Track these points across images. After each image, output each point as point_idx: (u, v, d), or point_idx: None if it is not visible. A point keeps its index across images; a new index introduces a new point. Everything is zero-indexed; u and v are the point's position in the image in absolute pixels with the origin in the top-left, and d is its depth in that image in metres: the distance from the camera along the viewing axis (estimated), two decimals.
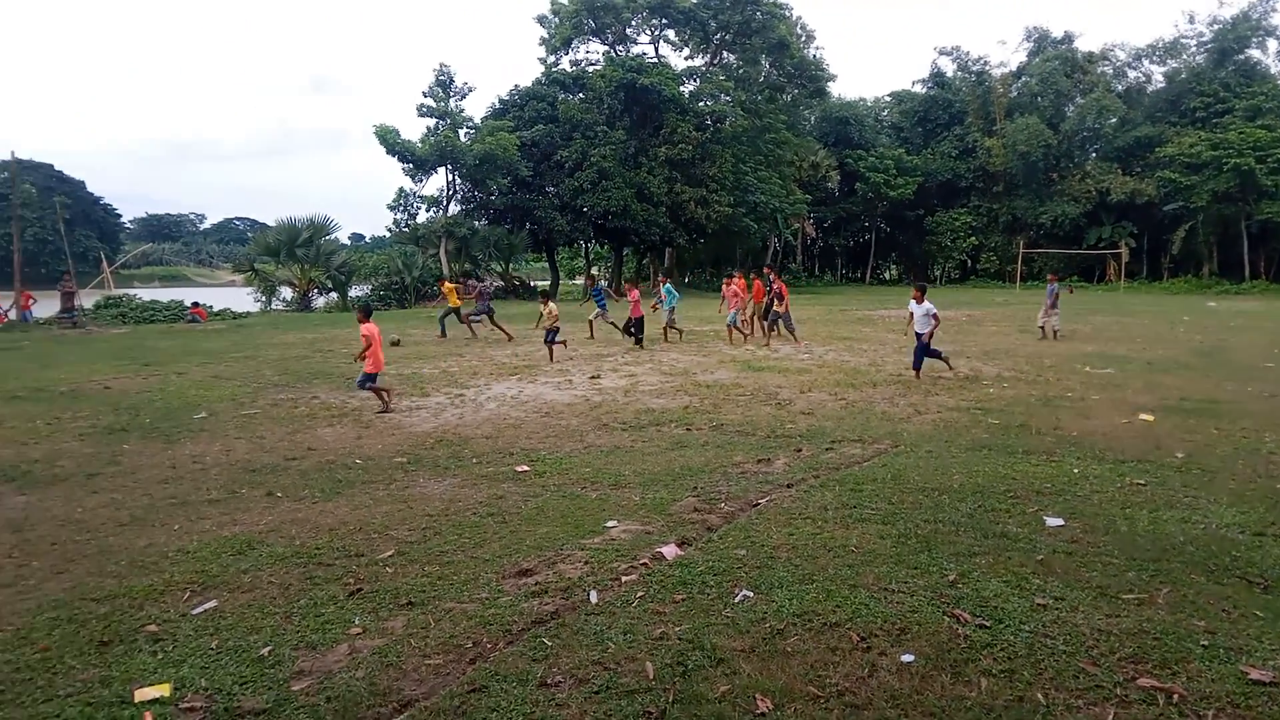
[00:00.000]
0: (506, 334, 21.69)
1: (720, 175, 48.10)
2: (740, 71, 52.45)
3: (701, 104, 50.05)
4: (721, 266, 55.11)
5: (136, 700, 4.00)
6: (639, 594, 5.11)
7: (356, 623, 4.81)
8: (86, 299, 35.41)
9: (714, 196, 47.30)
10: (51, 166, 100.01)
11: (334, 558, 5.90)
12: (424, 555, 5.92)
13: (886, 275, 74.36)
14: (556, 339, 17.61)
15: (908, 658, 4.27)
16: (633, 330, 19.67)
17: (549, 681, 4.07)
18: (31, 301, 31.49)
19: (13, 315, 30.34)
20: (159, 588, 5.40)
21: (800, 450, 9.01)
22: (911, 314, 14.20)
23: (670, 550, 5.86)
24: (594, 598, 5.07)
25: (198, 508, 7.23)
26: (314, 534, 6.44)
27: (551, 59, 51.55)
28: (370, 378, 11.83)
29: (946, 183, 62.29)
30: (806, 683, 4.05)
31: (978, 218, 61.90)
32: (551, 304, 18.24)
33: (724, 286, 22.51)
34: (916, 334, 14.07)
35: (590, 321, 22.29)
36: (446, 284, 24.37)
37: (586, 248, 61.66)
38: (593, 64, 51.06)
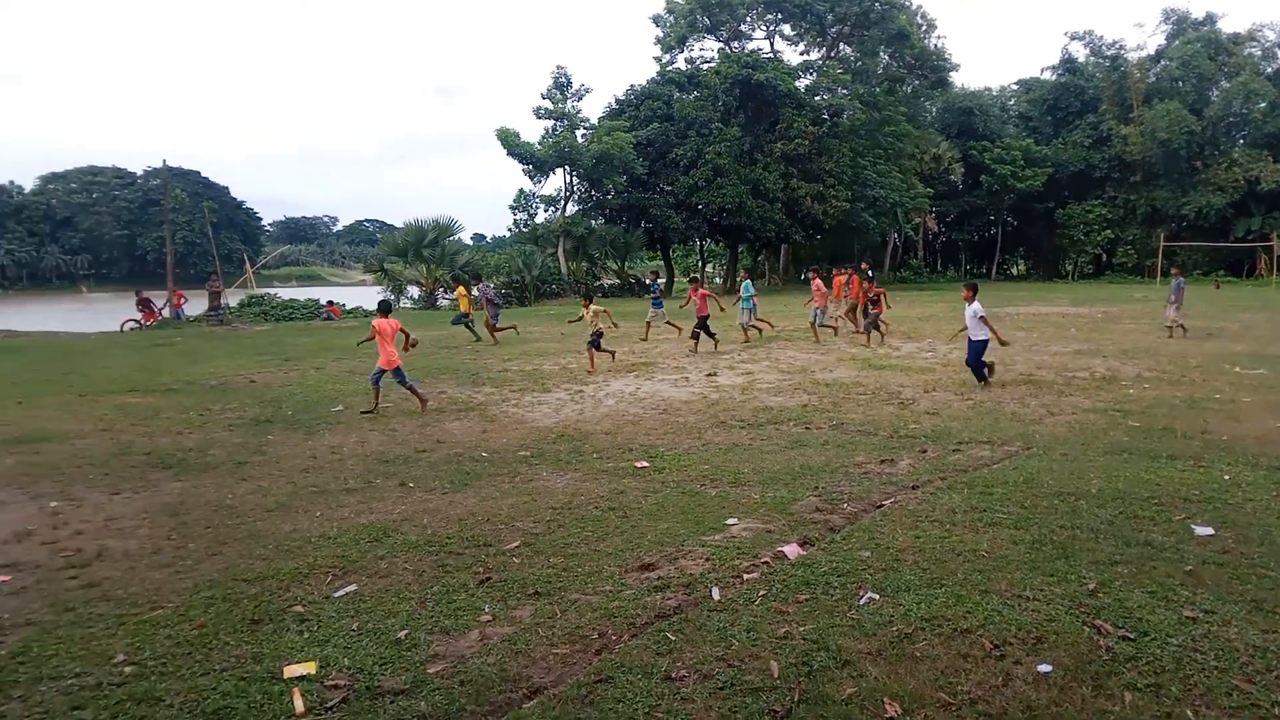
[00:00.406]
0: (493, 339, 21.54)
1: (837, 170, 47.26)
2: (858, 64, 51.41)
3: (818, 98, 49.32)
4: (839, 263, 54.28)
5: (285, 676, 4.24)
6: (761, 592, 5.10)
7: (486, 610, 4.97)
8: (231, 297, 37.71)
9: (831, 192, 46.50)
10: (199, 173, 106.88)
11: (464, 547, 6.11)
12: (549, 547, 6.06)
13: (1013, 271, 71.49)
14: (601, 344, 16.03)
15: (1045, 668, 4.12)
16: (702, 332, 18.38)
17: (673, 675, 4.11)
18: (183, 300, 33.75)
19: (166, 313, 32.56)
20: (303, 571, 5.71)
21: (925, 451, 8.79)
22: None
23: (792, 549, 5.82)
24: (716, 594, 5.09)
25: (336, 496, 7.61)
26: (444, 523, 6.68)
27: (666, 58, 51.77)
28: (380, 374, 11.74)
29: (1079, 173, 59.29)
30: (936, 689, 3.95)
31: (1113, 209, 58.68)
32: (593, 305, 16.76)
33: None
34: (970, 340, 12.87)
35: (648, 323, 21.53)
36: (460, 289, 24.46)
37: (701, 245, 61.70)
38: (707, 61, 51.01)
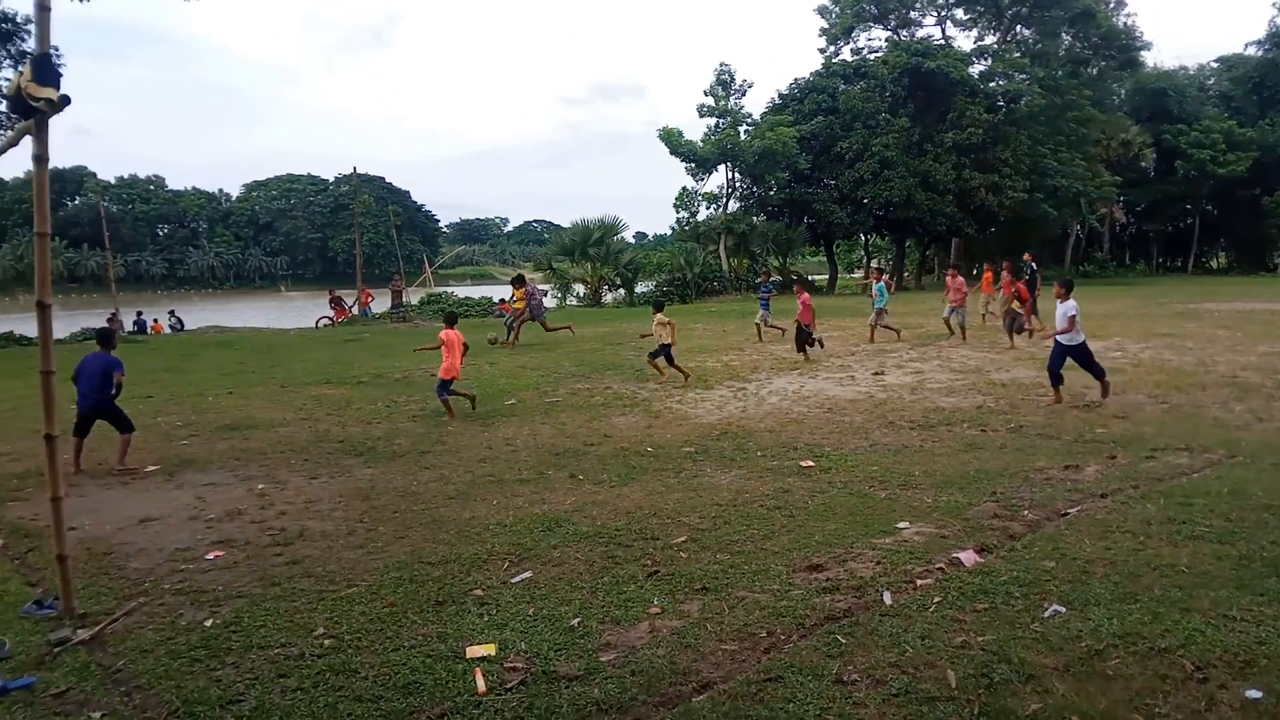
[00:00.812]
0: (510, 341, 21.16)
1: (1014, 159, 44.77)
2: (1037, 47, 48.53)
3: (993, 84, 46.91)
4: (1013, 256, 51.64)
5: (468, 656, 4.47)
6: (936, 599, 4.94)
7: (656, 603, 5.06)
8: (412, 295, 39.92)
9: (1007, 182, 44.13)
10: (384, 179, 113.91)
11: (632, 539, 6.24)
12: (715, 543, 6.10)
13: (1212, 264, 65.67)
14: (673, 357, 14.10)
15: (1254, 693, 3.79)
16: (804, 340, 16.50)
17: (845, 679, 4.05)
18: (370, 299, 36.05)
19: (355, 311, 34.83)
20: (482, 556, 5.99)
21: (1114, 457, 8.24)
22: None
23: (969, 556, 5.61)
24: (888, 599, 4.98)
25: (511, 486, 7.94)
26: (613, 516, 6.85)
27: (831, 49, 50.63)
28: (445, 385, 11.61)
29: None
30: (1131, 709, 3.71)
31: None
32: (659, 315, 14.40)
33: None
34: (1057, 342, 11.39)
35: (758, 326, 20.71)
36: (517, 290, 23.61)
37: (866, 240, 60.05)
38: (874, 51, 49.56)
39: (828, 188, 46.58)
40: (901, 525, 6.36)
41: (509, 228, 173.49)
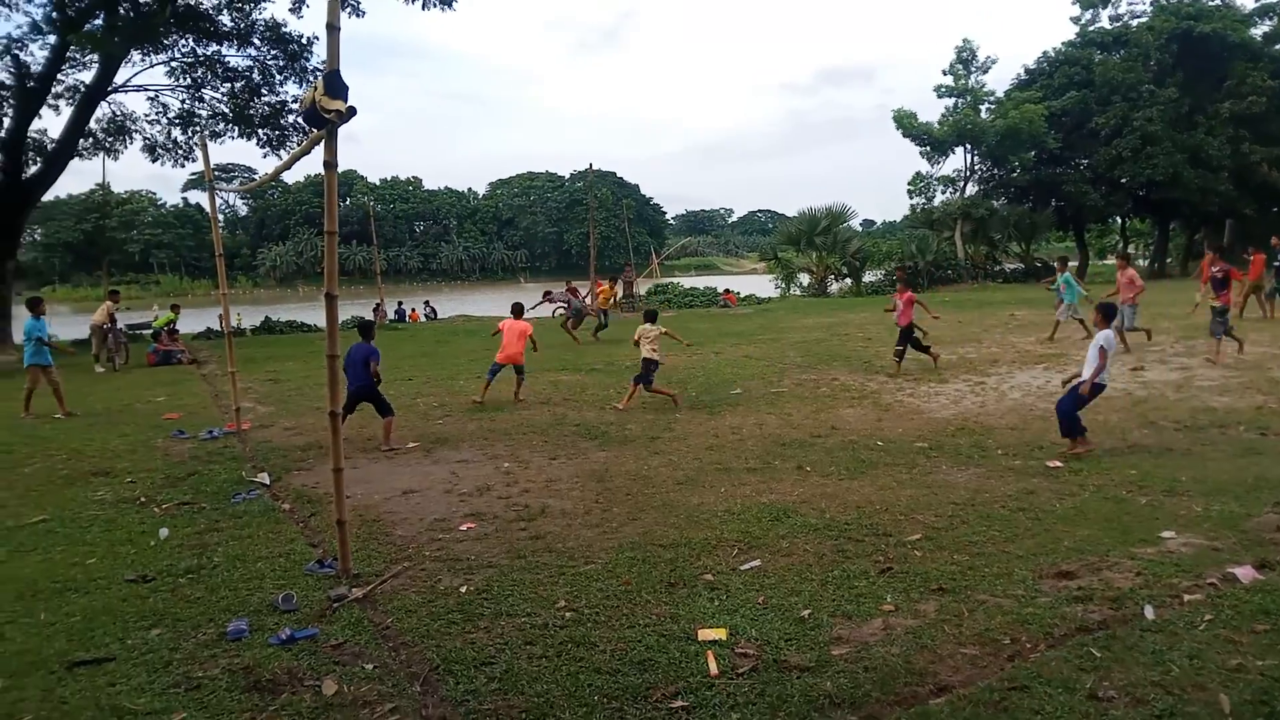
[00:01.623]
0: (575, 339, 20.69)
1: None
2: None
3: (1278, 47, 41.38)
4: None
5: (700, 639, 4.56)
6: (1206, 616, 4.49)
7: (889, 600, 4.94)
8: (640, 286, 41.04)
9: None
10: (615, 174, 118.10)
11: (862, 534, 6.12)
12: (952, 543, 5.86)
13: None
14: (652, 380, 11.90)
15: None
16: (908, 346, 14.05)
17: (1100, 695, 3.77)
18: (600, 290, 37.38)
19: (589, 301, 36.26)
20: (712, 542, 6.10)
21: None
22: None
23: (1246, 572, 5.04)
24: (1150, 613, 4.58)
25: (738, 474, 8.01)
26: (842, 509, 6.74)
27: (1087, 16, 46.61)
28: (497, 368, 12.66)
29: None
30: None
31: None
32: (647, 325, 12.11)
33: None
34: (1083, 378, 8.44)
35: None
36: (602, 284, 22.84)
37: (1123, 223, 54.95)
38: (1137, 17, 45.11)
39: (1079, 167, 43.11)
40: (1166, 534, 5.82)
41: (734, 218, 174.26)
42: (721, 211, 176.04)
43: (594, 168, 35.31)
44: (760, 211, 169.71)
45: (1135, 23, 43.98)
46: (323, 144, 5.33)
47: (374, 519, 7.07)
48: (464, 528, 6.72)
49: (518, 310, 13.34)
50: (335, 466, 5.78)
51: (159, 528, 6.89)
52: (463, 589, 5.40)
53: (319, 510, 7.36)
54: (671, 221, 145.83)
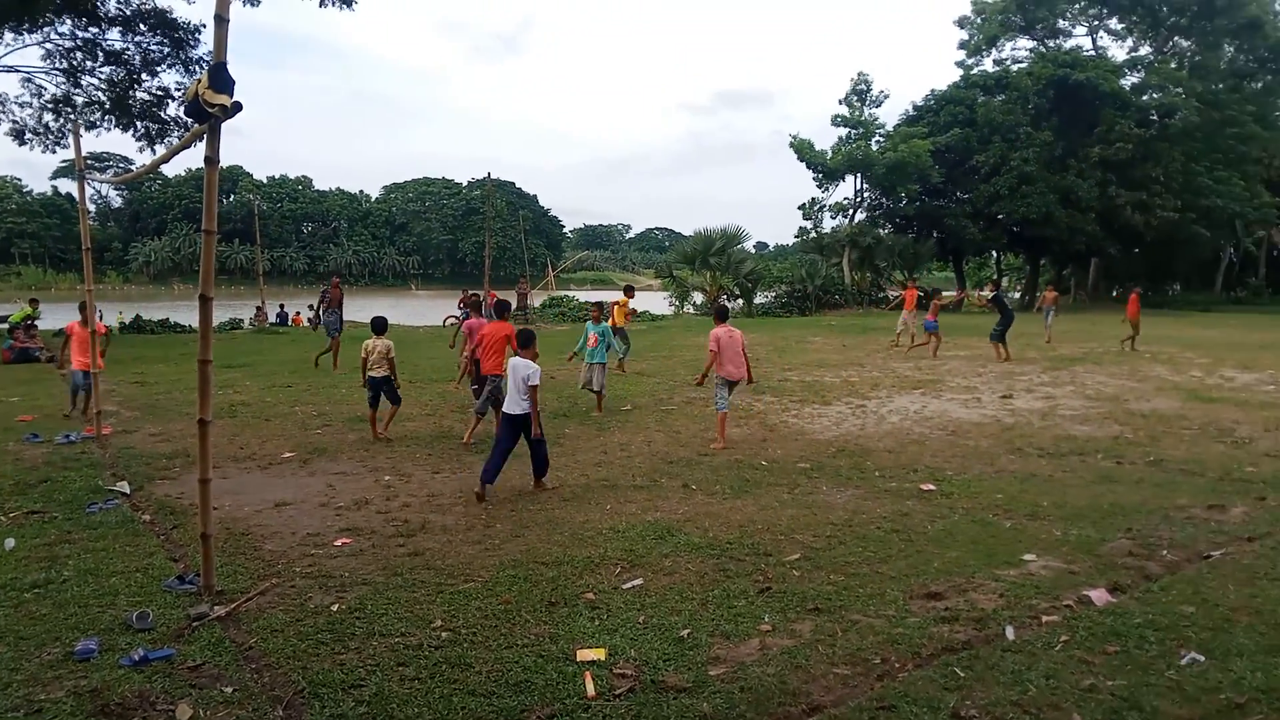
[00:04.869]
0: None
1: (1165, 177, 42.36)
2: (1195, 59, 45.88)
3: (1145, 98, 44.50)
4: (1157, 280, 48.81)
5: (578, 659, 4.51)
6: (1062, 637, 4.71)
7: (766, 620, 5.00)
8: (535, 298, 40.76)
9: (1156, 200, 41.77)
10: (514, 184, 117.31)
11: (744, 554, 6.19)
12: (829, 563, 5.98)
13: None
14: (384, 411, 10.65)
15: None
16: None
17: (963, 714, 3.90)
18: (495, 300, 36.99)
19: (482, 312, 35.82)
20: (595, 560, 6.05)
21: (1265, 499, 7.67)
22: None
23: (1099, 595, 5.32)
24: (1011, 634, 4.77)
25: (625, 492, 8.00)
26: (725, 528, 6.80)
27: (971, 60, 49.19)
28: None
29: None
30: None
31: None
32: (376, 340, 10.77)
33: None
34: None
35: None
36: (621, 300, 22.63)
37: (998, 258, 57.94)
38: (1018, 62, 47.85)
39: (960, 202, 45.28)
40: (1027, 557, 6.09)
41: (631, 234, 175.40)
42: (619, 227, 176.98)
43: (492, 176, 34.96)
44: (658, 229, 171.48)
45: (1016, 68, 46.63)
46: (205, 138, 5.08)
47: (243, 532, 6.75)
48: (339, 543, 6.48)
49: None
50: (202, 477, 5.50)
51: (4, 538, 6.41)
52: (334, 607, 5.20)
53: (182, 522, 6.98)
54: (569, 235, 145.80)
